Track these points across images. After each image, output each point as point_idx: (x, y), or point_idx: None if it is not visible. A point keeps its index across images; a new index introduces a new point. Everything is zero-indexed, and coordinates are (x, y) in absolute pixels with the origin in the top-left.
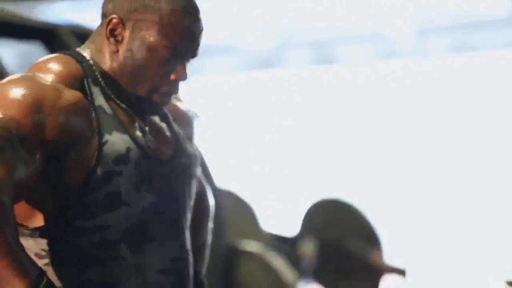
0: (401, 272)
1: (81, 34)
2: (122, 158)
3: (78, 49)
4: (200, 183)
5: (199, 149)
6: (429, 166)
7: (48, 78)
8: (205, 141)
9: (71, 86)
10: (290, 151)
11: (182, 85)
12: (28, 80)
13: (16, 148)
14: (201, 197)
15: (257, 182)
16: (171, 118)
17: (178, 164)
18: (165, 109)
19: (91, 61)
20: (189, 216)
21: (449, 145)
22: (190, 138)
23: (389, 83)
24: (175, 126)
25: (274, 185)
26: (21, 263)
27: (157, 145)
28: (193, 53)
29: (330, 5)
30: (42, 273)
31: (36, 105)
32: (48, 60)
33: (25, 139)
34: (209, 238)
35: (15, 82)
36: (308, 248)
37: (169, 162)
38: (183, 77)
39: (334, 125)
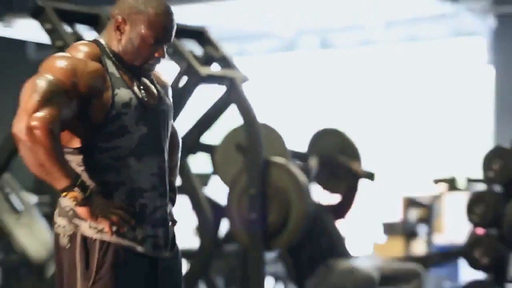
0: (371, 176)
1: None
2: (126, 104)
3: (97, 37)
4: (173, 126)
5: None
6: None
7: (79, 55)
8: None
9: (92, 59)
10: (305, 104)
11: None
12: (67, 57)
13: (62, 97)
14: (174, 135)
15: (284, 122)
16: (155, 82)
17: (160, 109)
18: (152, 77)
19: (105, 45)
20: (167, 142)
21: (401, 99)
22: (166, 94)
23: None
24: (158, 87)
25: (294, 121)
26: (66, 168)
27: (148, 97)
28: (168, 40)
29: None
30: (79, 175)
31: (73, 71)
32: (80, 44)
33: (67, 92)
34: (178, 160)
35: (60, 57)
36: (313, 161)
37: (155, 108)
38: (163, 55)
39: (337, 93)
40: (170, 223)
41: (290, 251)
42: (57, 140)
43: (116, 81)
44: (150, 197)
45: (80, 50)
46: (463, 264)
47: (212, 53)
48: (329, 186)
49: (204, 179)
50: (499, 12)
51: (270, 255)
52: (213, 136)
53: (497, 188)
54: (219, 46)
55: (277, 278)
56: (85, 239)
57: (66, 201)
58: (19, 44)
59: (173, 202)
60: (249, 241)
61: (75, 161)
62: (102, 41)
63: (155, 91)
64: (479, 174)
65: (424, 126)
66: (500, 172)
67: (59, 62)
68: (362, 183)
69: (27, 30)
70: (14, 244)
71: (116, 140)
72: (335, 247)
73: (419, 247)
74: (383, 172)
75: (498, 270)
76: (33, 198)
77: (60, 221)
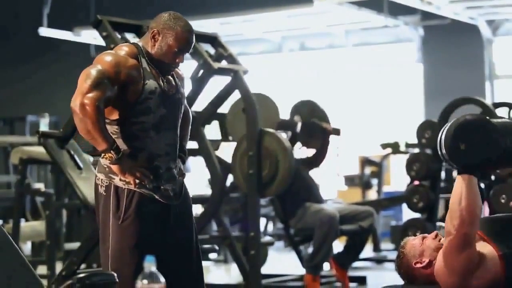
0: (338, 131)
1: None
2: (152, 91)
3: (137, 41)
4: (186, 106)
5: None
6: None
7: (122, 53)
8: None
9: (131, 57)
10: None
11: None
12: (113, 53)
13: (107, 83)
14: (186, 113)
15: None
16: (175, 76)
17: (177, 97)
18: (173, 72)
19: (142, 47)
20: (179, 120)
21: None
22: (182, 85)
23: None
24: (177, 80)
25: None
26: (106, 135)
27: (168, 87)
28: (187, 51)
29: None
30: (114, 141)
31: (116, 64)
32: (123, 45)
33: (111, 79)
34: (188, 130)
35: (108, 53)
36: (297, 117)
37: (173, 95)
38: (182, 61)
39: (312, 83)
40: (179, 177)
41: (278, 198)
42: (101, 114)
43: (147, 74)
44: (163, 161)
45: (123, 50)
46: (404, 207)
47: (221, 53)
48: (306, 143)
49: (215, 144)
50: (426, 24)
51: (263, 201)
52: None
53: (428, 151)
54: (227, 48)
55: (268, 218)
56: (116, 188)
57: (104, 160)
58: (84, 47)
59: (183, 160)
60: (248, 190)
61: (112, 129)
62: (140, 44)
63: (173, 83)
64: (415, 140)
65: (375, 106)
66: (430, 139)
67: (107, 57)
68: (331, 138)
69: (89, 37)
70: (76, 191)
71: (143, 117)
72: (311, 194)
73: (372, 195)
74: (346, 138)
75: (430, 212)
76: (90, 158)
77: (99, 175)
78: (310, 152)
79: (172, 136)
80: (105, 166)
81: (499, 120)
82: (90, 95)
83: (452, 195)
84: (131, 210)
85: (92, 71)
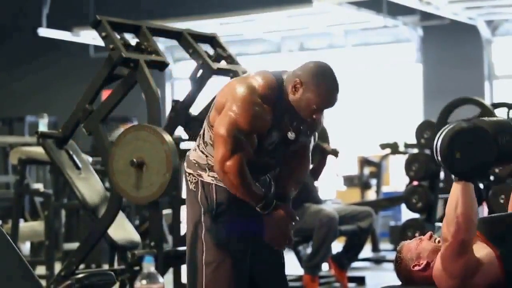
0: (336, 153)
1: (194, 36)
2: (273, 141)
3: (283, 74)
4: (305, 149)
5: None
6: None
7: (258, 95)
8: None
9: (267, 99)
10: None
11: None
12: (250, 102)
13: (244, 142)
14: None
15: None
16: (304, 122)
17: (294, 142)
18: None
19: (284, 86)
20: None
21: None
22: (309, 132)
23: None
24: (304, 125)
25: None
26: (253, 190)
27: (290, 135)
28: (327, 109)
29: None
30: (264, 192)
31: (253, 119)
32: (267, 83)
33: (248, 135)
34: (298, 177)
35: (245, 102)
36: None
37: (291, 142)
38: (319, 119)
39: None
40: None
41: None
42: (244, 175)
43: (275, 124)
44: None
45: (262, 93)
46: (403, 208)
47: (220, 53)
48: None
49: None
50: (425, 25)
51: None
52: None
53: (427, 151)
54: (226, 48)
55: None
56: (203, 184)
57: (193, 155)
58: (83, 47)
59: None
60: None
61: None
62: (284, 78)
63: (298, 128)
64: (414, 140)
65: (375, 106)
66: (429, 139)
67: (244, 109)
68: (329, 158)
69: (89, 37)
70: (75, 192)
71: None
72: (310, 194)
73: (371, 195)
74: (346, 139)
75: (429, 212)
76: (89, 158)
77: (188, 170)
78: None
79: (270, 168)
80: (194, 161)
81: (492, 118)
82: (228, 163)
83: (448, 201)
84: (221, 201)
85: (228, 137)
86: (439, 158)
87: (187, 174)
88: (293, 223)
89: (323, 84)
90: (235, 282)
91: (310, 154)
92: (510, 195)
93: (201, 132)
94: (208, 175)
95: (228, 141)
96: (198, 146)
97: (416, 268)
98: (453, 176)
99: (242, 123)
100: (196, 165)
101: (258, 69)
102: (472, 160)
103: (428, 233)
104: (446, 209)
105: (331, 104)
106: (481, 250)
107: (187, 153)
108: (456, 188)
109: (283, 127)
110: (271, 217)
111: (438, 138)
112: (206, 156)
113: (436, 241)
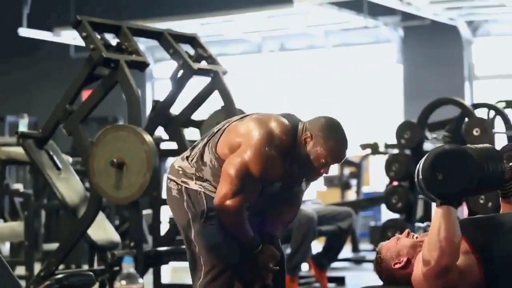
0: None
1: (174, 36)
2: (276, 188)
3: (299, 121)
4: (298, 195)
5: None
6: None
7: (275, 151)
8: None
9: (281, 155)
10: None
11: None
12: (266, 156)
13: (251, 186)
14: (294, 202)
15: (255, 107)
16: (307, 169)
17: (291, 188)
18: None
19: (299, 136)
20: (280, 206)
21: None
22: (307, 179)
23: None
24: (307, 175)
25: (263, 107)
26: (245, 231)
27: (291, 182)
28: (335, 164)
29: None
30: (254, 235)
31: (265, 172)
32: (285, 133)
33: (255, 182)
34: (289, 218)
35: (262, 156)
36: None
37: (289, 188)
38: (327, 172)
39: (292, 84)
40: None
41: None
42: (241, 216)
43: (283, 176)
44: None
45: (278, 141)
46: (383, 208)
47: (201, 53)
48: None
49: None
50: (405, 25)
51: None
52: (200, 114)
53: (408, 151)
54: (206, 48)
55: None
56: (188, 191)
57: (179, 163)
58: (64, 47)
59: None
60: None
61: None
62: (299, 129)
63: (299, 176)
64: (394, 141)
65: (355, 106)
66: (409, 139)
67: (258, 159)
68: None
69: (69, 37)
70: (55, 192)
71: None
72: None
73: (351, 195)
74: None
75: (409, 212)
76: (69, 159)
77: (170, 177)
78: None
79: (265, 209)
80: (179, 169)
81: (476, 146)
82: (229, 202)
83: (431, 226)
84: (214, 212)
85: (236, 178)
86: (421, 183)
87: (169, 180)
88: (274, 261)
89: (332, 140)
90: (233, 284)
91: (302, 199)
92: (491, 197)
93: (200, 148)
94: (195, 183)
95: (234, 182)
96: (188, 158)
97: (397, 266)
98: (433, 205)
99: (253, 170)
100: (181, 172)
101: (238, 69)
102: (455, 182)
103: (406, 231)
104: (429, 233)
105: (338, 160)
106: (463, 255)
107: (172, 162)
108: (439, 213)
109: (288, 177)
110: (255, 256)
111: (421, 162)
112: (196, 169)
113: (414, 237)
